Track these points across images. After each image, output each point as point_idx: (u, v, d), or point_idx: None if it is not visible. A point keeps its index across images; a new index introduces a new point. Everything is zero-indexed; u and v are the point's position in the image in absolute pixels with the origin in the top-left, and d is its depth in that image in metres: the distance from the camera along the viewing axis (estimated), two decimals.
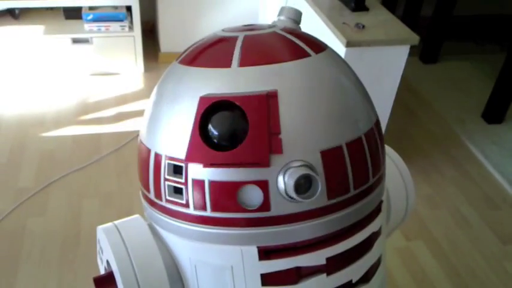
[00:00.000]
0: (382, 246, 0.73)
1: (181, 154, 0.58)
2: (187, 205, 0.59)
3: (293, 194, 0.55)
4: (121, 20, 2.72)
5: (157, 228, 0.68)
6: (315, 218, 0.61)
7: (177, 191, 0.60)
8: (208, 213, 0.59)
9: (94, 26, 2.70)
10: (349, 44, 1.70)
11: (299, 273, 0.63)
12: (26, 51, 2.68)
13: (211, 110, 0.57)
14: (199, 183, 0.57)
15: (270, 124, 0.56)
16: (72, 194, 2.00)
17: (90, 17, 2.69)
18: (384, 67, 1.83)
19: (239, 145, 0.55)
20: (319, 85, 0.61)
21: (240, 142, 0.55)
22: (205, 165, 0.56)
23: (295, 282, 0.63)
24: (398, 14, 3.02)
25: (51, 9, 2.89)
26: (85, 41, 2.71)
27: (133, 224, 0.71)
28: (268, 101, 0.56)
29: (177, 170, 0.59)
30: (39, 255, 1.74)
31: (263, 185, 0.56)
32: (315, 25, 1.96)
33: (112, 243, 0.66)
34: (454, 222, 2.03)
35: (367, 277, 0.71)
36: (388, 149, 0.86)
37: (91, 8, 2.72)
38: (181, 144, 0.58)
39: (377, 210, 0.69)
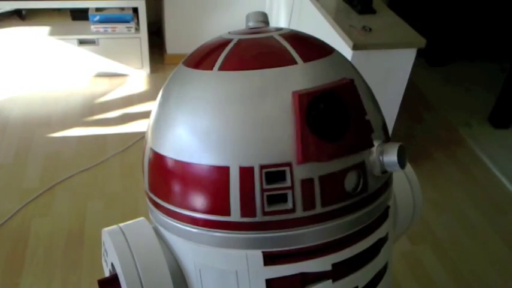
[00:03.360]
0: (389, 253, 0.72)
1: (286, 157, 0.55)
2: (293, 210, 0.57)
3: (394, 166, 0.58)
4: (127, 22, 2.73)
5: (163, 231, 0.68)
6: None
7: (276, 200, 0.57)
8: (319, 209, 0.58)
9: (100, 27, 2.70)
10: (355, 47, 1.69)
11: (304, 279, 0.63)
12: (32, 52, 2.69)
13: (310, 105, 0.56)
14: (308, 182, 0.56)
15: (360, 107, 0.59)
16: (77, 195, 2.00)
17: (97, 18, 2.69)
18: (390, 70, 1.82)
19: (346, 132, 0.57)
20: (357, 72, 0.67)
21: (345, 129, 0.57)
22: (326, 159, 0.56)
23: None
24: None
25: (58, 10, 2.90)
26: (91, 42, 2.72)
27: (138, 226, 0.70)
28: (353, 86, 0.59)
29: (272, 178, 0.56)
30: (43, 255, 1.74)
31: (362, 167, 0.59)
32: (321, 28, 1.95)
33: (117, 245, 0.66)
34: (460, 226, 2.01)
35: (373, 283, 0.70)
36: None
37: (98, 10, 2.73)
38: (283, 148, 0.55)
39: (384, 216, 0.69)
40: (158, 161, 0.64)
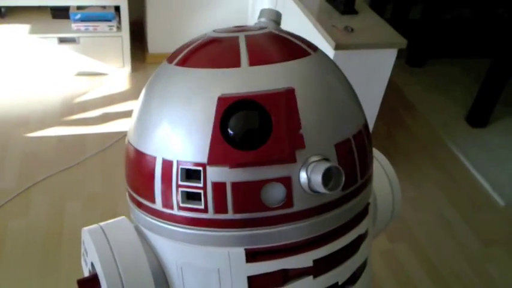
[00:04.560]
0: (368, 249, 0.74)
1: (200, 158, 0.56)
2: (205, 210, 0.58)
3: (320, 188, 0.56)
4: (109, 20, 2.70)
5: (143, 229, 0.68)
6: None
7: (191, 197, 0.58)
8: (230, 215, 0.58)
9: (82, 25, 2.67)
10: (338, 47, 1.71)
11: (286, 276, 0.63)
12: (12, 50, 2.64)
13: (229, 110, 0.56)
14: (220, 186, 0.57)
15: (292, 120, 0.57)
16: (55, 196, 1.97)
17: (78, 16, 2.66)
18: (371, 70, 1.84)
19: (264, 143, 0.56)
20: (326, 81, 0.63)
21: (264, 140, 0.56)
22: (231, 166, 0.56)
23: (282, 284, 0.63)
24: (387, 17, 3.05)
25: (38, 8, 2.85)
26: (72, 40, 2.69)
27: (119, 225, 0.70)
28: (288, 98, 0.57)
29: (190, 176, 0.58)
30: (21, 257, 1.71)
31: (287, 182, 0.57)
32: (304, 27, 1.96)
33: (97, 244, 0.65)
34: (437, 224, 2.05)
35: (353, 279, 0.71)
36: (376, 152, 0.87)
37: (79, 8, 2.70)
38: (199, 148, 0.56)
39: (364, 213, 0.70)
40: (136, 157, 0.64)
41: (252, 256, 0.61)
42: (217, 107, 0.56)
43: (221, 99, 0.56)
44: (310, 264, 0.63)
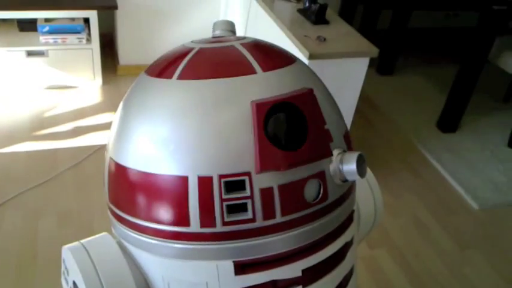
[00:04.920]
0: (354, 256, 0.74)
1: (245, 167, 0.55)
2: (253, 220, 0.57)
3: (353, 175, 0.59)
4: (78, 32, 2.65)
5: (127, 245, 0.66)
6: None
7: (236, 209, 0.56)
8: (278, 219, 0.58)
9: (50, 38, 2.62)
10: (311, 57, 1.73)
11: (275, 287, 0.63)
12: None
13: (268, 114, 0.57)
14: (267, 191, 0.56)
15: (319, 117, 0.60)
16: (28, 213, 1.91)
17: (46, 29, 2.61)
18: (344, 79, 1.87)
19: (305, 141, 0.57)
20: (320, 82, 0.68)
21: (304, 138, 0.58)
22: (284, 169, 0.56)
23: None
24: (355, 27, 3.10)
25: (4, 20, 2.78)
26: (40, 53, 2.63)
27: (101, 242, 0.68)
28: (312, 96, 0.60)
29: (231, 187, 0.56)
30: None
31: (322, 176, 0.59)
32: (277, 37, 1.98)
33: (80, 263, 0.63)
34: (415, 229, 2.08)
35: (341, 287, 0.71)
36: None
37: (47, 20, 2.64)
38: (242, 157, 0.55)
39: (349, 220, 0.70)
40: (118, 172, 0.63)
41: (241, 268, 0.61)
42: (256, 113, 0.55)
43: (258, 105, 0.56)
44: (299, 274, 0.63)
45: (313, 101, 0.60)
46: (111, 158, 0.65)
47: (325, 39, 1.83)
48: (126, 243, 0.67)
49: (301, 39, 1.81)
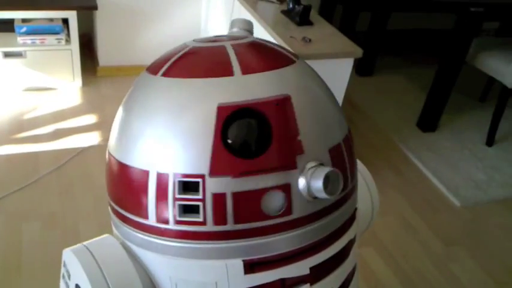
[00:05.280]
0: (357, 254, 0.75)
1: (200, 169, 0.55)
2: (204, 223, 0.56)
3: (320, 193, 0.55)
4: (57, 33, 2.60)
5: (132, 246, 0.65)
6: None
7: (188, 210, 0.57)
8: (230, 226, 0.57)
9: (28, 39, 2.56)
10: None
11: (283, 285, 0.63)
12: None
13: (229, 119, 0.55)
14: (220, 197, 0.55)
15: (290, 126, 0.57)
16: (10, 218, 1.86)
17: (24, 29, 2.55)
18: (330, 79, 1.87)
19: (265, 150, 0.55)
20: (314, 87, 0.63)
21: (265, 148, 0.55)
22: (235, 176, 0.54)
23: None
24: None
25: None
26: (18, 54, 2.57)
27: (104, 243, 0.67)
28: (285, 104, 0.57)
29: (186, 188, 0.56)
30: None
31: (286, 189, 0.57)
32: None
33: (85, 265, 0.62)
34: (400, 227, 2.11)
35: (345, 285, 0.71)
36: None
37: (24, 21, 2.58)
38: (198, 159, 0.55)
39: (352, 218, 0.70)
40: (121, 170, 0.62)
41: (250, 267, 0.60)
42: (217, 117, 0.55)
43: (221, 109, 0.55)
44: (307, 272, 0.63)
45: (285, 109, 0.57)
46: (112, 157, 0.64)
47: (310, 40, 1.84)
48: (130, 244, 0.66)
49: (287, 40, 1.82)
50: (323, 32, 1.95)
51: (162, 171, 0.56)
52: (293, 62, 0.65)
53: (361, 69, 3.36)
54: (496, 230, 2.17)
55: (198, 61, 0.61)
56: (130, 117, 0.62)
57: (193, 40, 0.70)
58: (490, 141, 2.76)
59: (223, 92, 0.56)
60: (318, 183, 0.55)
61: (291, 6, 1.99)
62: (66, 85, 2.75)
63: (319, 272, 0.65)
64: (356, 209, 0.73)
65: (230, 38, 0.68)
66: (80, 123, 2.49)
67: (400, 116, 2.94)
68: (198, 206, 0.56)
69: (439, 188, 2.38)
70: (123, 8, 2.81)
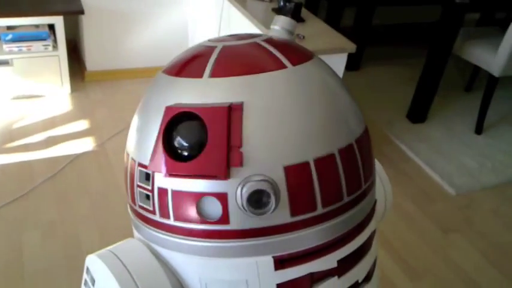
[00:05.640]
0: (377, 246, 0.76)
1: (147, 162, 0.59)
2: (153, 212, 0.59)
3: (247, 208, 0.54)
4: (44, 39, 2.57)
5: (159, 248, 0.65)
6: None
7: (148, 198, 0.60)
8: (172, 222, 0.59)
9: (14, 46, 2.52)
10: None
11: (312, 279, 0.63)
12: None
13: (177, 120, 0.56)
14: (163, 192, 0.58)
15: (231, 137, 0.55)
16: (9, 228, 1.84)
17: (9, 37, 2.51)
18: None
19: (197, 156, 0.55)
20: (291, 98, 0.59)
21: (197, 153, 0.55)
22: (166, 175, 0.57)
23: None
24: None
25: None
26: (5, 62, 2.53)
27: (130, 247, 0.66)
28: (230, 113, 0.55)
29: (147, 178, 0.60)
30: None
31: (222, 198, 0.56)
32: None
33: (113, 270, 0.62)
34: (399, 218, 2.14)
35: (369, 276, 0.72)
36: None
37: (9, 28, 2.54)
38: (148, 153, 0.59)
39: (373, 210, 0.71)
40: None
41: (280, 263, 0.61)
42: (163, 116, 0.57)
43: (168, 109, 0.57)
44: (335, 264, 0.64)
45: (230, 119, 0.55)
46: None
47: (304, 37, 1.85)
48: (156, 246, 0.65)
49: None
50: (315, 28, 1.96)
51: (133, 157, 0.61)
52: (283, 67, 0.61)
53: (347, 64, 3.37)
54: (490, 215, 2.21)
55: (184, 60, 0.64)
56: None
57: (209, 40, 0.70)
58: (479, 130, 2.81)
59: (184, 93, 0.58)
60: (244, 199, 0.54)
61: (282, 3, 2.00)
62: (54, 92, 2.72)
63: (346, 264, 0.66)
64: (376, 201, 0.73)
65: (237, 37, 0.67)
66: (71, 130, 2.46)
67: (390, 109, 2.97)
68: (149, 195, 0.60)
69: (434, 177, 2.42)
70: (109, 11, 2.79)
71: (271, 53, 0.63)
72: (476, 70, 3.14)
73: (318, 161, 0.59)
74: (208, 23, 2.65)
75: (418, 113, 2.84)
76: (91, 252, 0.65)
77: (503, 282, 1.85)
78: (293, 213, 0.57)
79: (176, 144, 0.57)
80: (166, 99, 0.59)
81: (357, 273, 0.68)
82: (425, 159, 2.52)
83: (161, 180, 0.57)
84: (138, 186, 0.60)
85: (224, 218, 0.56)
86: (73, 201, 2.00)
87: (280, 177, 0.56)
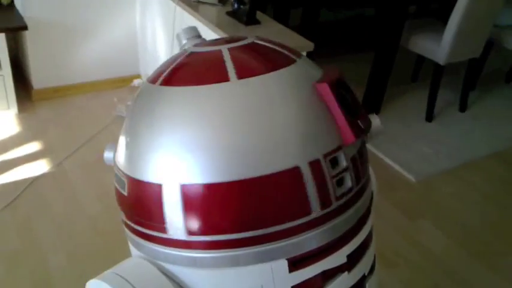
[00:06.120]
0: (375, 238, 0.77)
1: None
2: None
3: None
4: None
5: (166, 265, 0.63)
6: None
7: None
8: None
9: None
10: None
11: (324, 277, 0.64)
12: None
13: None
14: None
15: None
16: None
17: None
18: None
19: None
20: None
21: None
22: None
23: (321, 286, 0.63)
24: None
25: None
26: None
27: (134, 266, 0.64)
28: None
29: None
30: None
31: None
32: None
33: None
34: None
35: (372, 268, 0.74)
36: None
37: None
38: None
39: (371, 201, 0.73)
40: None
41: (294, 265, 0.60)
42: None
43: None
44: (345, 260, 0.64)
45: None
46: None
47: None
48: (163, 263, 0.63)
49: None
50: (272, 29, 1.98)
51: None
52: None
53: None
54: (451, 198, 2.31)
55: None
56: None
57: (194, 45, 0.69)
58: (429, 117, 2.93)
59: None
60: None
61: (236, 6, 2.00)
62: (1, 114, 2.58)
63: (354, 259, 0.67)
64: (372, 191, 0.75)
65: (230, 40, 0.67)
66: (25, 152, 2.34)
67: None
68: None
69: (393, 166, 2.50)
70: (54, 25, 2.68)
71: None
72: (420, 60, 3.28)
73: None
74: (159, 31, 2.61)
75: (372, 106, 2.93)
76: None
77: (472, 261, 1.94)
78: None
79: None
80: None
81: (364, 265, 0.69)
82: (383, 150, 2.59)
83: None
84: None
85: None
86: (36, 226, 1.90)
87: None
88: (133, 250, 0.68)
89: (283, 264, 0.59)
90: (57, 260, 1.74)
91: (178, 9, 2.22)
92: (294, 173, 0.56)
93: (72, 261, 1.75)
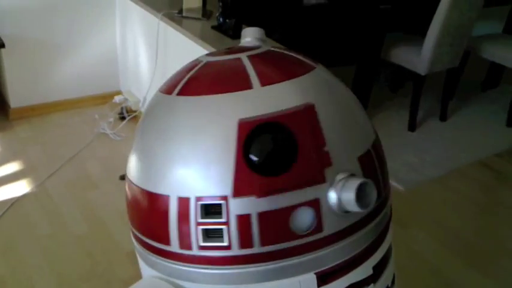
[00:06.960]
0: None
1: (222, 191, 0.52)
2: (229, 247, 0.53)
3: (353, 206, 0.52)
4: None
5: (184, 283, 0.60)
6: (363, 228, 0.60)
7: (211, 234, 0.53)
8: (257, 249, 0.53)
9: None
10: None
11: None
12: None
13: (251, 135, 0.52)
14: (245, 219, 0.52)
15: (316, 137, 0.54)
16: None
17: None
18: None
19: (292, 166, 0.51)
20: (337, 93, 0.61)
21: (291, 162, 0.52)
22: (260, 195, 0.51)
23: None
24: None
25: None
26: None
27: (151, 286, 0.61)
28: (308, 114, 0.54)
29: (209, 211, 0.53)
30: None
31: (316, 204, 0.53)
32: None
33: None
34: None
35: (393, 279, 0.72)
36: None
37: None
38: (220, 180, 0.52)
39: (390, 212, 0.72)
40: (145, 199, 0.57)
41: (322, 279, 0.58)
42: (238, 133, 0.52)
43: (242, 124, 0.52)
44: (371, 272, 0.63)
45: (309, 119, 0.54)
46: (134, 185, 0.59)
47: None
48: (182, 282, 0.60)
49: None
50: None
51: (182, 195, 0.53)
52: (312, 68, 0.63)
53: None
54: (440, 205, 2.32)
55: (213, 76, 0.59)
56: (146, 141, 0.58)
57: (206, 55, 0.67)
58: (412, 127, 2.96)
59: (242, 107, 0.53)
60: (350, 195, 0.51)
61: (221, 20, 1.99)
62: None
63: (379, 270, 0.65)
64: (391, 204, 0.74)
65: (244, 48, 0.66)
66: (5, 173, 2.26)
67: None
68: (221, 230, 0.52)
69: None
70: (32, 43, 2.62)
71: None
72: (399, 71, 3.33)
73: (371, 150, 0.61)
74: (142, 46, 2.58)
75: None
76: None
77: (466, 267, 1.95)
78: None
79: (261, 160, 0.51)
80: (223, 117, 0.53)
81: (388, 276, 0.68)
82: None
83: (242, 206, 0.51)
84: (200, 224, 0.52)
85: (319, 227, 0.54)
86: (21, 249, 1.82)
87: (356, 169, 0.56)
88: (146, 269, 0.65)
89: (311, 278, 0.57)
90: (45, 283, 1.67)
91: (162, 24, 2.20)
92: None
93: (61, 284, 1.68)
